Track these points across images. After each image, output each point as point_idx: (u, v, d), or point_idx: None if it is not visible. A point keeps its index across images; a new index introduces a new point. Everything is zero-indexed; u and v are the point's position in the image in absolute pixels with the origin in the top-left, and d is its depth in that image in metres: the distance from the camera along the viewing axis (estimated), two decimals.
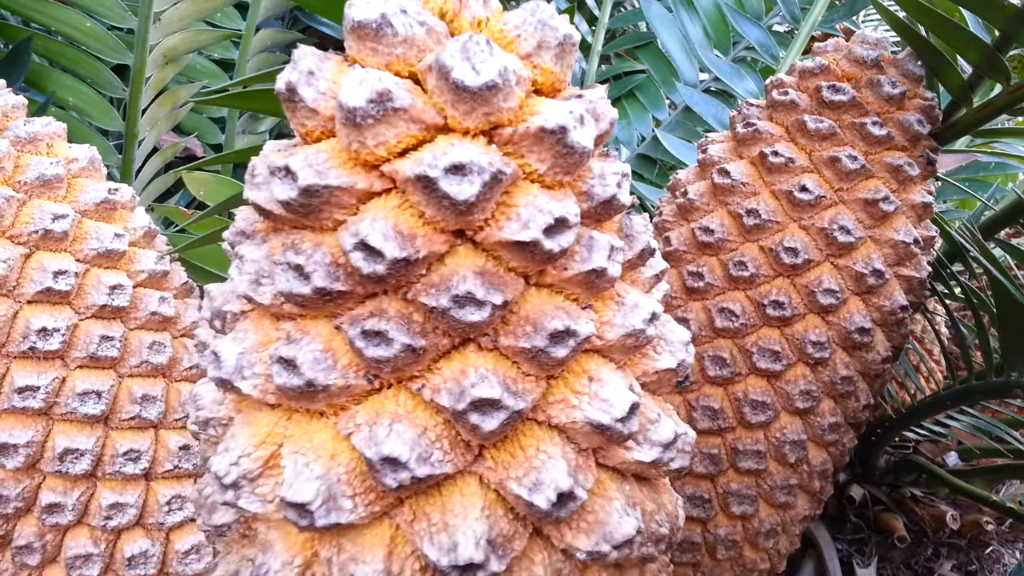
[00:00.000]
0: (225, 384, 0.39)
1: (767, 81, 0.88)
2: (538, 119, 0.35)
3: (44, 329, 0.69)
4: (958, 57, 0.81)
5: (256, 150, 0.78)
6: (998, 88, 0.80)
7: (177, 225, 1.06)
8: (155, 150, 1.21)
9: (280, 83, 0.37)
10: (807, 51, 1.37)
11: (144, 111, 1.07)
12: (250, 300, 0.39)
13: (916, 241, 0.80)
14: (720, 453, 0.84)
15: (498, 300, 0.36)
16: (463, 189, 0.33)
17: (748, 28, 1.23)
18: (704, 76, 1.51)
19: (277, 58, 1.50)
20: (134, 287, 0.76)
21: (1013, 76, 0.78)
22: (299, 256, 0.37)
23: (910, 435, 1.36)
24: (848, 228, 0.78)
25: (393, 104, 0.34)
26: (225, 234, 0.44)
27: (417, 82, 0.37)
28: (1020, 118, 1.00)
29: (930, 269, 0.83)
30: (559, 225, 0.35)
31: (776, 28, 1.57)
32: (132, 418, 0.74)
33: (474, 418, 0.36)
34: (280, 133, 1.73)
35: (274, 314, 0.40)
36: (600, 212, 0.39)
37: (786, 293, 0.79)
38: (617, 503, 0.41)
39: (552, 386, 0.39)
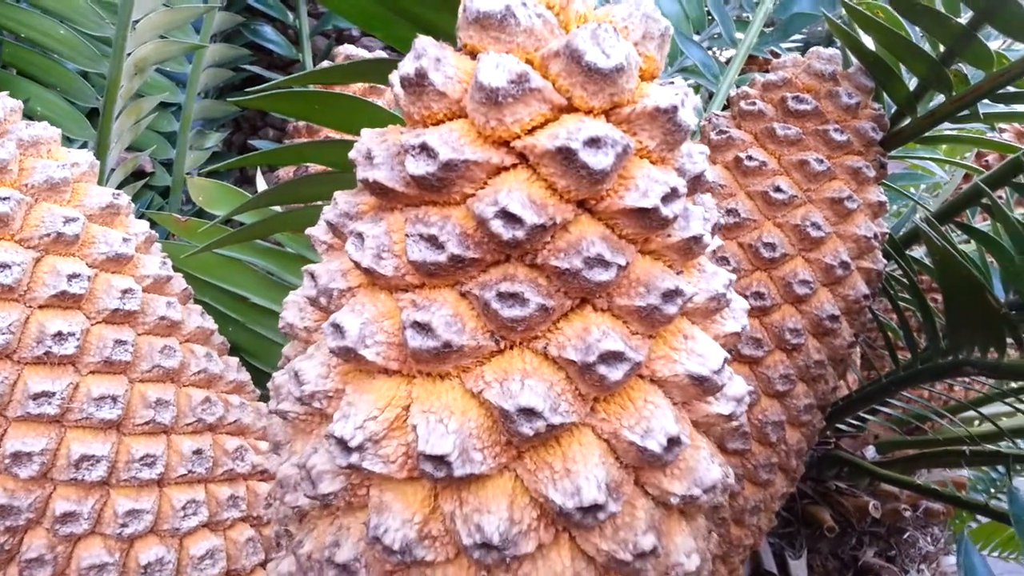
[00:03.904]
0: (348, 352, 0.42)
1: (734, 93, 0.96)
2: (651, 100, 0.40)
3: (60, 333, 0.68)
4: (903, 71, 0.91)
5: (272, 154, 0.79)
6: (939, 98, 0.91)
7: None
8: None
9: (408, 69, 0.40)
10: (742, 72, 1.47)
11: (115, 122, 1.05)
12: (371, 273, 0.42)
13: (875, 236, 0.89)
14: None
15: (622, 262, 0.40)
16: (599, 160, 0.37)
17: (692, 50, 1.32)
18: None
19: (225, 72, 1.50)
20: (142, 291, 0.76)
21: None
22: (430, 228, 0.40)
23: (833, 429, 1.47)
24: (819, 224, 0.86)
25: (530, 85, 0.38)
26: (325, 216, 0.46)
27: (533, 68, 0.41)
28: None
29: (885, 261, 0.92)
30: (672, 194, 0.40)
31: None
32: (146, 423, 0.73)
33: (602, 369, 0.39)
34: (216, 153, 1.71)
35: (391, 286, 0.43)
36: (689, 187, 0.44)
37: (765, 285, 0.86)
38: (704, 451, 0.45)
39: (653, 344, 0.43)
